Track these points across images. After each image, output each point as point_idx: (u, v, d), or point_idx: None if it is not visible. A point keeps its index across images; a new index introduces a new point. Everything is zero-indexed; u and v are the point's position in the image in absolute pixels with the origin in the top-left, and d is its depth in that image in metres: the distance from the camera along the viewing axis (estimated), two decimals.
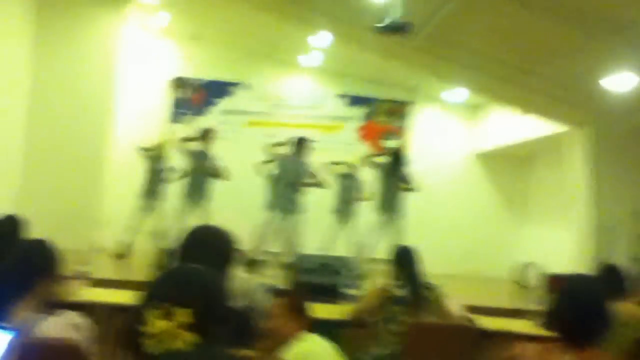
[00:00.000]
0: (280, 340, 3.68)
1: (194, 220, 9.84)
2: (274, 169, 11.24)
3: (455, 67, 10.56)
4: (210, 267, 2.12)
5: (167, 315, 1.78)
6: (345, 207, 11.80)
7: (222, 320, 1.95)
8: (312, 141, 10.97)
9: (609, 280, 5.17)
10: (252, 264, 10.90)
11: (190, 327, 1.78)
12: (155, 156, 11.64)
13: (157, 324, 1.76)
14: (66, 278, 5.86)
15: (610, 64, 8.75)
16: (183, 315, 1.79)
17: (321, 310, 6.36)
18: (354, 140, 14.98)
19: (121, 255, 11.09)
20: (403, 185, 10.96)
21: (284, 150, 11.09)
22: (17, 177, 11.83)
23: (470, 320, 5.81)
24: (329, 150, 13.93)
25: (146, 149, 11.65)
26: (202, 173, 11.11)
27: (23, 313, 3.11)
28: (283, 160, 10.89)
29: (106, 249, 12.13)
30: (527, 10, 7.86)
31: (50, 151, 12.10)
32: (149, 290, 1.93)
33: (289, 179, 10.65)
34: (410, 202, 11.15)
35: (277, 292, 4.11)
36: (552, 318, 3.07)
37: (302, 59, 14.60)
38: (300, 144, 10.83)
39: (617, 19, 7.69)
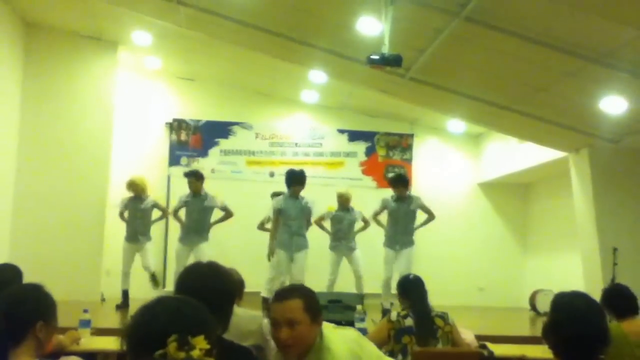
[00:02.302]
0: (305, 347, 3.39)
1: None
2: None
3: (449, 98, 10.59)
4: (206, 303, 2.06)
5: (183, 345, 1.74)
6: (344, 241, 11.64)
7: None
8: (298, 176, 10.73)
9: (617, 300, 5.12)
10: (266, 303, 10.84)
11: (209, 353, 1.76)
12: (135, 197, 11.38)
13: (179, 356, 1.72)
14: (68, 328, 5.82)
15: (601, 90, 8.79)
16: (200, 342, 1.75)
17: None
18: (357, 175, 14.92)
19: (120, 306, 10.75)
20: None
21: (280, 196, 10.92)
22: (8, 228, 11.87)
23: (484, 347, 5.72)
24: (333, 186, 13.90)
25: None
26: (197, 215, 10.96)
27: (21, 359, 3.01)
28: (282, 203, 10.69)
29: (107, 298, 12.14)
30: (518, 40, 7.90)
31: (46, 201, 12.14)
32: (143, 324, 1.88)
33: (290, 217, 10.52)
34: (415, 233, 11.01)
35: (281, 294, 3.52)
36: (545, 334, 3.00)
37: (301, 96, 14.66)
38: (290, 181, 10.65)
39: (605, 47, 7.72)
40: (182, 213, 11.14)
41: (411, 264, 10.55)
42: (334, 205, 11.64)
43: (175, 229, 11.60)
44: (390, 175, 11.78)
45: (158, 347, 1.74)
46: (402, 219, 10.75)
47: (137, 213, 11.31)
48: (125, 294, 11.02)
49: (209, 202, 10.89)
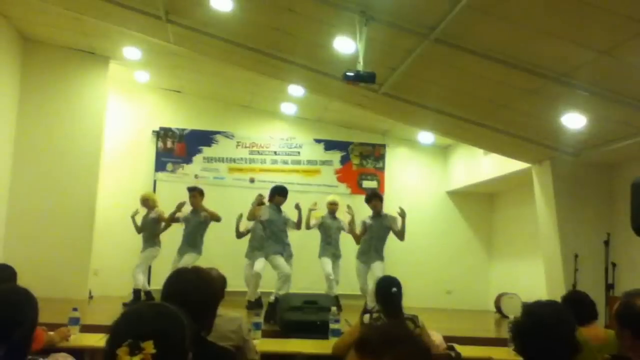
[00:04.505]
0: None
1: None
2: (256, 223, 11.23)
3: (419, 112, 10.65)
4: (190, 308, 2.09)
5: (134, 350, 1.77)
6: (332, 247, 11.62)
7: (186, 349, 1.94)
8: (284, 190, 10.72)
9: (576, 306, 5.13)
10: (250, 306, 10.81)
11: (155, 357, 1.77)
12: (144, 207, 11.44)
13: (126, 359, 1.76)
14: (58, 325, 5.82)
15: (562, 106, 8.87)
16: (148, 346, 1.78)
17: (308, 346, 6.31)
18: (332, 183, 14.99)
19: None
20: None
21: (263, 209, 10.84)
22: (2, 230, 11.87)
23: (452, 349, 5.75)
24: (309, 193, 13.99)
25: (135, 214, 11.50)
26: (192, 229, 11.01)
27: None
28: (266, 212, 10.62)
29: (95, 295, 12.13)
30: (484, 60, 7.96)
31: (39, 205, 12.13)
32: (112, 329, 1.91)
33: (278, 228, 10.48)
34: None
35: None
36: (515, 341, 3.03)
37: (280, 108, 14.75)
38: (274, 194, 10.62)
39: (564, 67, 7.82)
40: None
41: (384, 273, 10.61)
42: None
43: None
44: (367, 193, 11.73)
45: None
46: (377, 234, 10.76)
47: (143, 223, 11.46)
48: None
49: (202, 218, 11.00)
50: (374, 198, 10.94)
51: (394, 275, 5.84)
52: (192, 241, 10.95)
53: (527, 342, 2.92)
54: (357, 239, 11.00)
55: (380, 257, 10.74)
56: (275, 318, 8.68)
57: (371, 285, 10.39)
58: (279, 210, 10.45)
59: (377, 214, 10.81)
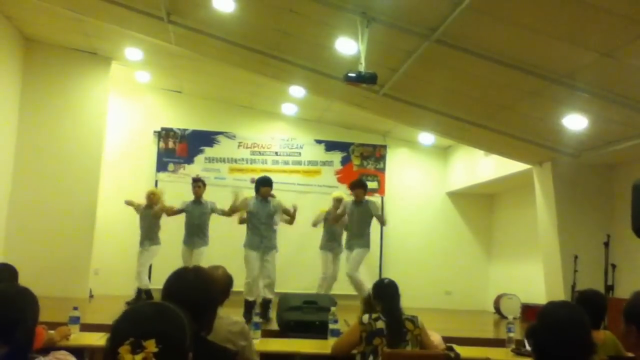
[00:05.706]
0: None
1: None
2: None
3: (420, 113, 10.66)
4: (189, 308, 2.09)
5: (136, 348, 1.77)
6: (335, 243, 11.60)
7: (187, 348, 1.93)
8: (268, 180, 10.45)
9: (591, 308, 5.10)
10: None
11: (157, 356, 1.76)
12: (147, 204, 11.36)
13: (127, 358, 1.75)
14: (59, 324, 5.82)
15: (563, 108, 8.88)
16: (150, 345, 1.77)
17: (307, 346, 6.29)
18: (333, 183, 14.96)
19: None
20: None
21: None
22: (3, 230, 11.87)
23: (451, 349, 5.74)
24: (310, 193, 13.99)
25: (133, 203, 11.44)
26: (198, 220, 10.98)
27: None
28: (250, 204, 10.37)
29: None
30: (485, 61, 7.96)
31: (40, 205, 12.14)
32: (114, 328, 1.90)
33: (260, 221, 10.25)
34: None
35: None
36: (530, 345, 3.00)
37: (281, 109, 14.76)
38: (259, 185, 10.36)
39: (566, 68, 7.82)
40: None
41: (358, 264, 10.48)
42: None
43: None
44: (351, 181, 11.69)
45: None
46: (357, 222, 10.69)
47: (142, 220, 11.38)
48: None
49: (208, 209, 11.02)
50: (357, 187, 10.80)
51: (393, 275, 5.86)
52: (201, 232, 10.95)
53: (535, 339, 2.91)
54: (336, 218, 11.06)
55: (360, 243, 10.63)
56: (270, 318, 8.72)
57: (347, 270, 10.51)
58: (265, 202, 10.15)
59: (359, 202, 10.74)
